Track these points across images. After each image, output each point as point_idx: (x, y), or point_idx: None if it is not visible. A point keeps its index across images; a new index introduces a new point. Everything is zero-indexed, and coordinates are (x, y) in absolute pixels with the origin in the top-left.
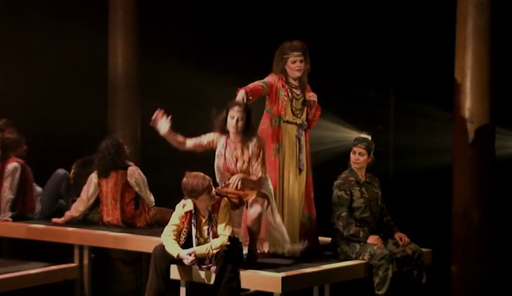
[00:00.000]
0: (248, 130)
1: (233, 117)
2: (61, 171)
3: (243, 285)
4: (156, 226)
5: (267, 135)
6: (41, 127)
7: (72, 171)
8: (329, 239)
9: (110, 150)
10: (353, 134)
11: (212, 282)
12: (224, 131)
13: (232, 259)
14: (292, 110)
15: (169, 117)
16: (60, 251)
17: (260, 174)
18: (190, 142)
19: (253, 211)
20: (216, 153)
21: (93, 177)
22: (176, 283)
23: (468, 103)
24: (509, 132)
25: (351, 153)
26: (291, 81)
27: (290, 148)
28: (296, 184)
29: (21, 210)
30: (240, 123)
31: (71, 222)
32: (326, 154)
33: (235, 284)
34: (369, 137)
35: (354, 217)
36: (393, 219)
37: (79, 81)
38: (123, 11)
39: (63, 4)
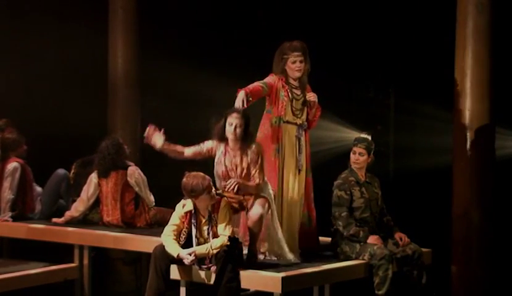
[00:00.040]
0: (246, 137)
1: (231, 124)
2: (61, 171)
3: (243, 285)
4: (156, 226)
5: (267, 136)
6: (41, 127)
7: (72, 171)
8: (329, 239)
9: (110, 150)
10: (353, 134)
11: (212, 282)
12: (223, 139)
13: (232, 259)
14: (292, 110)
15: (162, 130)
16: (60, 251)
17: (257, 181)
18: (189, 151)
19: (255, 212)
20: (216, 160)
21: (93, 177)
22: (176, 283)
23: (468, 103)
24: (509, 132)
25: (351, 153)
26: (291, 81)
27: (290, 149)
28: (296, 185)
29: (21, 210)
30: (238, 130)
31: (71, 222)
32: (326, 154)
33: (235, 284)
34: (369, 137)
35: (354, 218)
36: (393, 219)
37: (79, 81)
38: (123, 11)
39: (63, 4)
